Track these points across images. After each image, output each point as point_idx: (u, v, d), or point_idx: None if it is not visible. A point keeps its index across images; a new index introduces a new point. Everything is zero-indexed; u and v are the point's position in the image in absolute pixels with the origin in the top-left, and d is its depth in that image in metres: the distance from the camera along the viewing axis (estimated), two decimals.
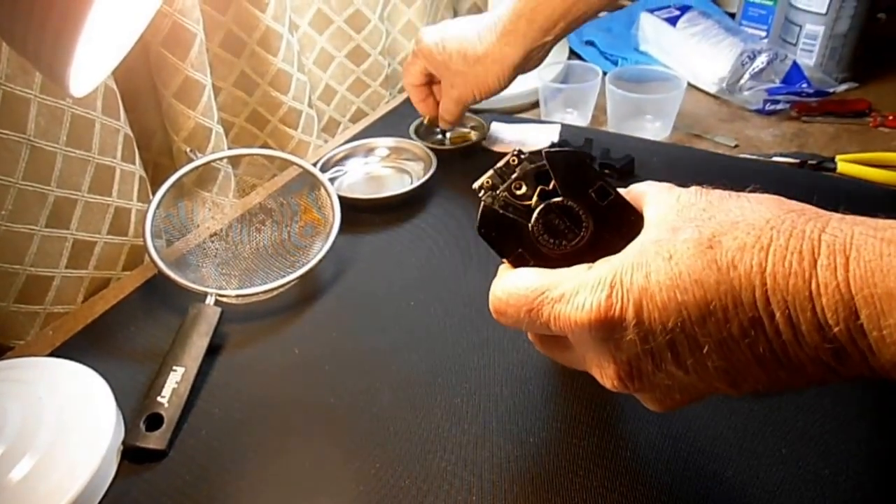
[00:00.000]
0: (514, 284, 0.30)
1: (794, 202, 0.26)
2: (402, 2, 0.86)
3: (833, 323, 0.23)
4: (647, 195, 0.31)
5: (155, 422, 0.43)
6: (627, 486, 0.38)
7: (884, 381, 0.43)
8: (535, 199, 0.32)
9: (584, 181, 0.32)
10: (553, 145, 0.33)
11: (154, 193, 0.54)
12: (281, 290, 0.53)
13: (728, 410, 0.42)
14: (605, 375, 0.29)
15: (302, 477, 0.41)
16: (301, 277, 0.53)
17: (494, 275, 0.54)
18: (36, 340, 0.52)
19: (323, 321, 0.53)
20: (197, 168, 0.57)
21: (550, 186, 0.32)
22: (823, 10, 0.80)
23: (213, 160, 0.59)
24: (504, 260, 0.34)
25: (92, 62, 0.38)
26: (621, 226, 0.31)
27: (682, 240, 0.25)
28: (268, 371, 0.48)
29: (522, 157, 0.33)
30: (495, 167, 0.34)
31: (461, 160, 0.71)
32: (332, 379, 0.47)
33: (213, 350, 0.49)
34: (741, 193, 0.28)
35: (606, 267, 0.27)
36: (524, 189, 0.33)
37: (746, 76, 0.81)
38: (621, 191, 0.33)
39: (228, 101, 0.70)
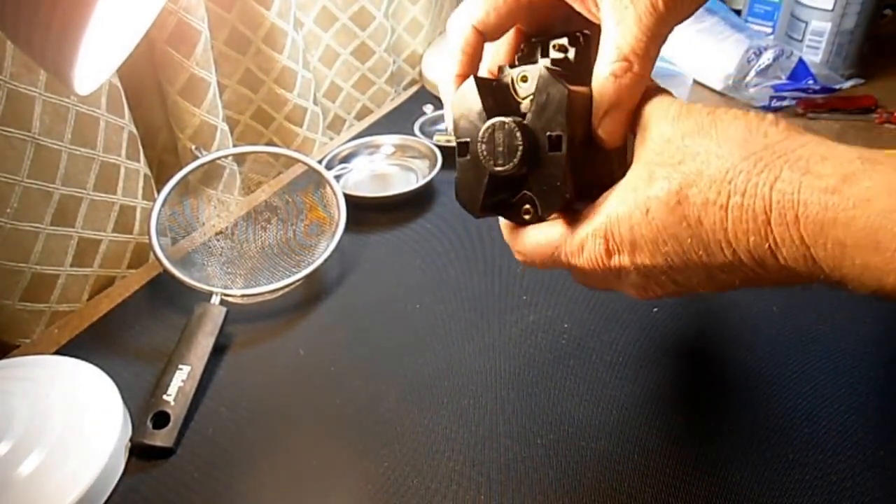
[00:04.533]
0: (530, 243, 0.34)
1: (762, 129, 0.27)
2: None
3: (795, 266, 0.25)
4: (644, 116, 0.31)
5: (162, 420, 0.43)
6: (636, 489, 0.38)
7: (886, 388, 0.43)
8: (526, 101, 0.32)
9: (551, 120, 0.30)
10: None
11: (159, 191, 0.54)
12: (286, 289, 0.53)
13: (735, 416, 0.42)
14: (628, 294, 0.33)
15: (309, 475, 0.41)
16: (306, 277, 0.53)
17: (499, 277, 0.56)
18: (41, 339, 0.52)
19: (328, 322, 0.53)
20: (202, 166, 0.56)
21: (533, 107, 0.31)
22: (830, 7, 0.79)
23: (219, 158, 0.59)
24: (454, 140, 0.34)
25: (96, 60, 0.38)
26: (546, 185, 0.31)
27: (654, 194, 0.28)
28: (273, 371, 0.49)
29: (577, 46, 0.33)
30: (554, 40, 0.33)
31: None
32: (337, 380, 0.47)
33: (218, 349, 0.49)
34: (716, 117, 0.28)
35: (599, 219, 0.30)
36: (527, 84, 0.32)
37: (752, 73, 0.81)
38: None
39: (234, 99, 0.70)
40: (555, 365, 0.47)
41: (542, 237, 0.33)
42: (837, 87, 0.81)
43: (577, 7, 0.33)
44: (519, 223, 0.34)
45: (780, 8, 0.87)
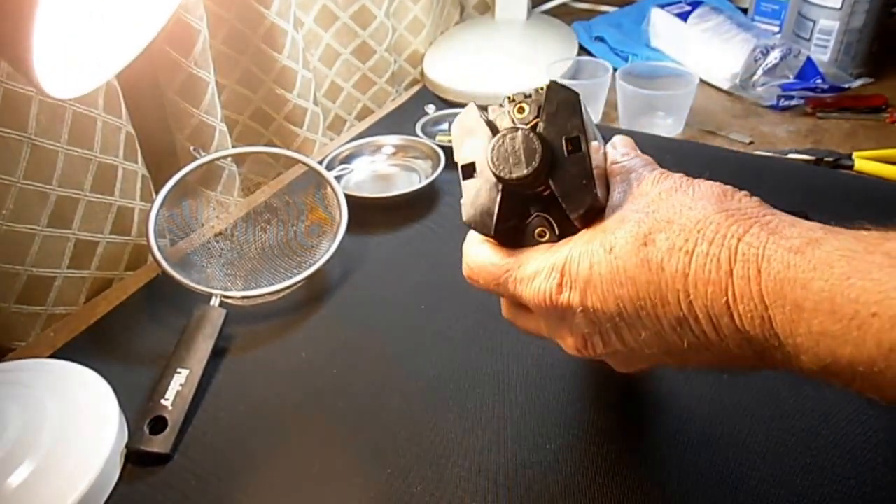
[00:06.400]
0: (482, 258, 0.33)
1: (737, 196, 0.28)
2: None
3: (750, 329, 0.24)
4: (620, 171, 0.32)
5: (159, 425, 0.43)
6: (648, 496, 0.37)
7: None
8: (528, 126, 0.31)
9: (566, 124, 0.30)
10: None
11: (157, 192, 0.54)
12: (287, 291, 0.52)
13: (752, 419, 0.41)
14: (565, 345, 0.32)
15: (310, 482, 0.40)
16: (308, 278, 0.52)
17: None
18: (37, 342, 0.51)
19: (330, 324, 0.52)
20: (201, 166, 0.56)
21: (543, 117, 0.31)
22: (838, 6, 0.79)
23: (218, 158, 0.58)
24: (458, 164, 0.33)
25: (84, 66, 0.38)
26: (570, 186, 0.30)
27: (622, 234, 0.28)
28: (274, 375, 0.48)
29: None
30: (537, 86, 0.33)
31: None
32: (340, 383, 0.46)
33: (217, 352, 0.49)
34: (693, 182, 0.29)
35: (560, 254, 0.30)
36: (527, 112, 0.32)
37: (760, 72, 0.80)
38: (611, 146, 0.34)
39: (232, 99, 0.69)
40: (564, 366, 0.46)
41: (496, 256, 0.32)
42: (846, 86, 0.80)
43: None
44: (532, 246, 0.33)
45: (787, 6, 0.86)
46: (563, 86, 0.31)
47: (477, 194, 0.32)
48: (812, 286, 0.22)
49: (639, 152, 0.34)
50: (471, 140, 0.32)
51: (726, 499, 0.37)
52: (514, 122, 0.32)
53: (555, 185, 0.30)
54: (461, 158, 0.33)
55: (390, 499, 0.38)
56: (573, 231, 0.31)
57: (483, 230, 0.32)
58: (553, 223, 0.32)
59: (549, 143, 0.30)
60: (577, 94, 0.31)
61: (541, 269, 0.30)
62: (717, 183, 0.29)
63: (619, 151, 0.34)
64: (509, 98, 0.33)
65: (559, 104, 0.31)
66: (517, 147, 0.30)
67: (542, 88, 0.32)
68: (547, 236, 0.32)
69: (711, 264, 0.25)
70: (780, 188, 0.61)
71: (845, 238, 0.23)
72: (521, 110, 0.32)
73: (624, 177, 0.32)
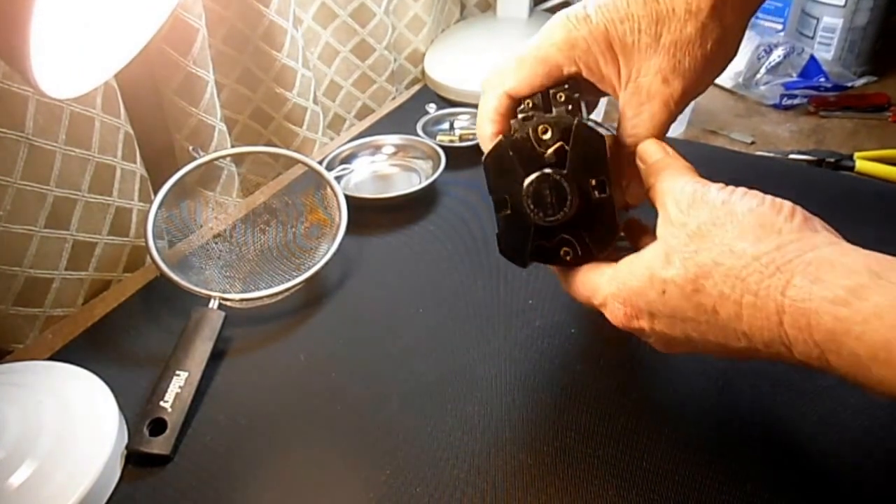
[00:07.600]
0: (570, 287, 0.37)
1: (776, 225, 0.28)
2: None
3: (810, 363, 0.26)
4: (657, 195, 0.33)
5: (158, 427, 0.42)
6: (645, 498, 0.37)
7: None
8: (550, 151, 0.34)
9: (593, 167, 0.33)
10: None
11: (156, 193, 0.53)
12: (286, 293, 0.52)
13: (749, 421, 0.41)
14: (648, 345, 0.35)
15: (309, 484, 0.40)
16: (307, 281, 0.52)
17: (504, 281, 0.55)
18: (35, 344, 0.51)
19: (329, 326, 0.52)
20: (200, 167, 0.55)
21: (569, 160, 0.34)
22: (842, 3, 0.78)
23: (216, 158, 0.58)
24: (491, 197, 0.37)
25: (82, 66, 0.38)
26: (596, 226, 0.34)
27: (671, 277, 0.30)
28: (273, 377, 0.48)
29: (575, 93, 0.35)
30: (552, 90, 0.36)
31: (471, 158, 0.70)
32: (338, 385, 0.46)
33: (216, 355, 0.48)
34: (731, 208, 0.29)
35: (615, 283, 0.33)
36: (549, 135, 0.34)
37: (763, 70, 0.79)
38: (640, 160, 0.36)
39: (231, 98, 0.69)
40: (562, 371, 0.46)
41: (577, 284, 0.36)
42: (849, 84, 0.79)
43: (600, 86, 0.37)
44: (560, 265, 0.37)
45: (790, 4, 0.86)
46: (587, 128, 0.33)
47: (510, 230, 0.36)
48: (865, 338, 0.24)
49: (671, 156, 0.35)
50: (503, 175, 0.35)
51: (725, 500, 0.37)
52: (537, 144, 0.34)
53: (584, 230, 0.34)
54: (495, 192, 0.36)
55: (390, 499, 0.38)
56: (593, 253, 0.35)
57: (517, 262, 0.37)
58: (576, 245, 0.35)
59: (578, 185, 0.33)
60: (601, 138, 0.33)
61: (606, 299, 0.34)
62: (756, 205, 0.29)
63: (650, 166, 0.35)
64: (525, 109, 0.36)
65: (585, 150, 0.33)
66: (549, 193, 0.33)
67: (561, 94, 0.35)
68: (571, 256, 0.36)
69: (761, 314, 0.27)
70: (780, 190, 0.61)
71: (893, 288, 0.24)
72: (545, 130, 0.34)
73: (661, 200, 0.33)
